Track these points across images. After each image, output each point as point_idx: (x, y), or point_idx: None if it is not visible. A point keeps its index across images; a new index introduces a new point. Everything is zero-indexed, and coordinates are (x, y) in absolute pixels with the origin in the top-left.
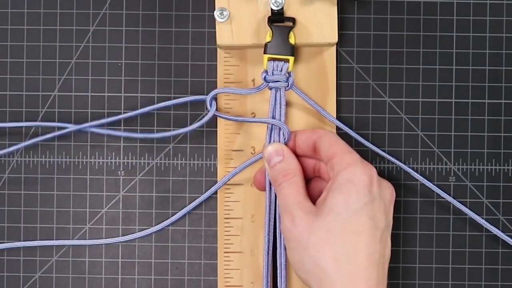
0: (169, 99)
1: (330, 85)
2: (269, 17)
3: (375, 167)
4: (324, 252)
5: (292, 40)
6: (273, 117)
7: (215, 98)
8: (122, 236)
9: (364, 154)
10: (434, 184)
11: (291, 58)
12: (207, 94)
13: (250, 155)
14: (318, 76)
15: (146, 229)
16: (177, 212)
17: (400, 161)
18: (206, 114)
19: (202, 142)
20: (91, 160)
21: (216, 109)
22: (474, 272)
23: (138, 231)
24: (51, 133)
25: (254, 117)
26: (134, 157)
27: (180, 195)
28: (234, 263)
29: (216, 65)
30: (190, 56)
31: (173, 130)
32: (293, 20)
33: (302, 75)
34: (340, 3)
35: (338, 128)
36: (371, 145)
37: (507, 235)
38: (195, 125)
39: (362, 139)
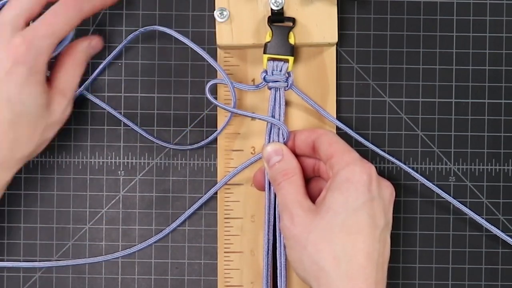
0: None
1: (330, 85)
2: (269, 17)
3: (375, 167)
4: (323, 250)
5: (292, 40)
6: (273, 117)
7: (215, 97)
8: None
9: (364, 154)
10: (434, 184)
11: (291, 58)
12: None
13: (250, 155)
14: (318, 76)
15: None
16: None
17: (400, 161)
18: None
19: None
20: (91, 160)
21: (216, 99)
22: (474, 272)
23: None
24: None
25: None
26: (134, 157)
27: (180, 195)
28: (234, 263)
29: None
30: (190, 56)
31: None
32: (293, 20)
33: (302, 75)
34: (340, 3)
35: (338, 128)
36: (371, 145)
37: (507, 235)
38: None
39: (362, 139)
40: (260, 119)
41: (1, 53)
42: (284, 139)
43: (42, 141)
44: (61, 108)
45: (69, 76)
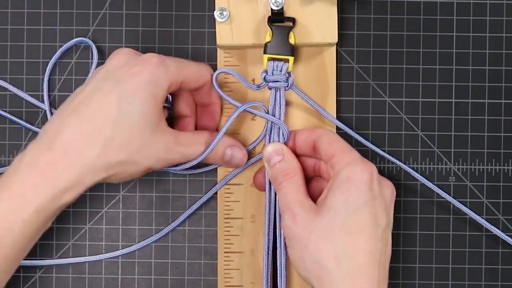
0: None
1: (330, 85)
2: (269, 17)
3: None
4: (325, 250)
5: (292, 40)
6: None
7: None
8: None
9: (364, 154)
10: (434, 184)
11: (291, 58)
12: None
13: (250, 155)
14: (318, 76)
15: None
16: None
17: (400, 161)
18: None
19: None
20: None
21: (219, 86)
22: (474, 272)
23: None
24: None
25: (254, 118)
26: None
27: (180, 195)
28: (234, 263)
29: (216, 65)
30: (190, 56)
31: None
32: (293, 20)
33: (302, 75)
34: (340, 3)
35: (338, 128)
36: (371, 145)
37: (507, 235)
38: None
39: (362, 139)
40: (261, 116)
41: (135, 58)
42: (284, 139)
43: (134, 162)
44: (163, 142)
45: (191, 139)
